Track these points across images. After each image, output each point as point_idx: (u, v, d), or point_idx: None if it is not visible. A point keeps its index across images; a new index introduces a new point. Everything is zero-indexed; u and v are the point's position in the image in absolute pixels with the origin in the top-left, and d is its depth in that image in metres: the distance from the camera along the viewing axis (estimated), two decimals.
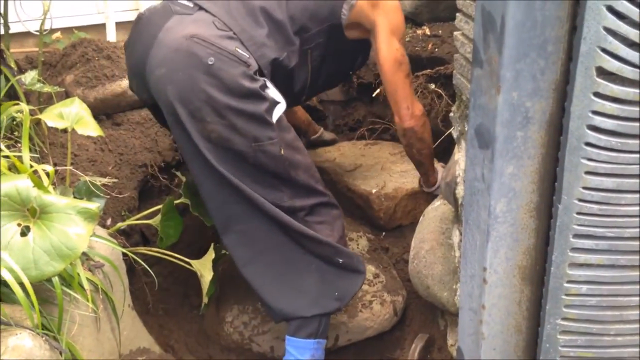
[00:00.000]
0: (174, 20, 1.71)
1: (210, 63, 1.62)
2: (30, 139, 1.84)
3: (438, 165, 2.25)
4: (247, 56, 1.68)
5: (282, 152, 1.70)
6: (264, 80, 1.71)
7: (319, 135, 2.65)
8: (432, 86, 2.52)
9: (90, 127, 1.87)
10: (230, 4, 1.76)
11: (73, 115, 1.86)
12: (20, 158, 1.60)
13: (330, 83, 2.24)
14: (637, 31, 0.94)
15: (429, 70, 2.51)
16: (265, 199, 1.71)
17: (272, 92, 1.72)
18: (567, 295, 1.14)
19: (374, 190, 2.29)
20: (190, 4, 1.77)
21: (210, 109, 1.63)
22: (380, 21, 1.89)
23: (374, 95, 2.77)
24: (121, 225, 2.00)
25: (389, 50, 1.90)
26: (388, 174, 2.38)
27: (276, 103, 1.71)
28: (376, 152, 2.58)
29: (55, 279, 1.45)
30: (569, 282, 1.13)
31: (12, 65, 2.04)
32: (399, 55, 1.91)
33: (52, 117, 1.83)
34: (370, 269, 2.16)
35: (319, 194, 1.82)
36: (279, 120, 1.72)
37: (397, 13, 1.93)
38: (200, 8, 1.75)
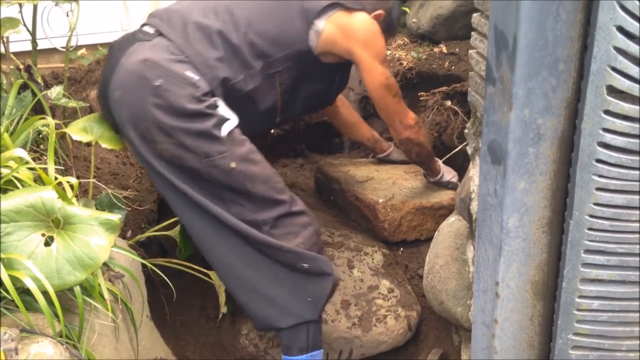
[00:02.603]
0: (135, 46, 1.80)
1: (157, 84, 1.69)
2: (55, 152, 1.89)
3: (441, 164, 2.35)
4: (197, 78, 1.74)
5: (235, 165, 1.73)
6: (214, 100, 1.76)
7: (387, 154, 2.62)
8: (448, 103, 2.54)
9: (112, 142, 1.92)
10: (187, 29, 1.81)
11: (96, 130, 1.91)
12: (45, 170, 1.65)
13: (310, 105, 2.19)
14: None
15: (445, 88, 2.54)
16: (228, 213, 1.76)
17: (222, 109, 1.77)
18: (578, 310, 1.15)
19: (380, 200, 2.31)
20: (152, 30, 1.85)
21: (158, 129, 1.70)
22: (358, 51, 1.89)
23: None
24: (141, 237, 2.03)
25: (374, 79, 1.93)
26: (398, 188, 2.40)
27: (225, 119, 1.76)
28: (391, 169, 2.60)
29: (77, 289, 1.48)
30: (580, 297, 1.14)
31: (39, 80, 2.10)
32: (383, 79, 1.94)
33: (77, 131, 1.88)
34: (385, 284, 2.17)
35: (283, 203, 1.82)
36: (230, 134, 1.75)
37: (375, 38, 1.92)
38: (160, 34, 1.82)
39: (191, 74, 1.73)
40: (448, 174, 2.37)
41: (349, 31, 1.88)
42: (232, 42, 1.81)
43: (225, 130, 1.75)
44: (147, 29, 1.87)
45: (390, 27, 2.09)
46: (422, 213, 2.31)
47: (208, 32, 1.80)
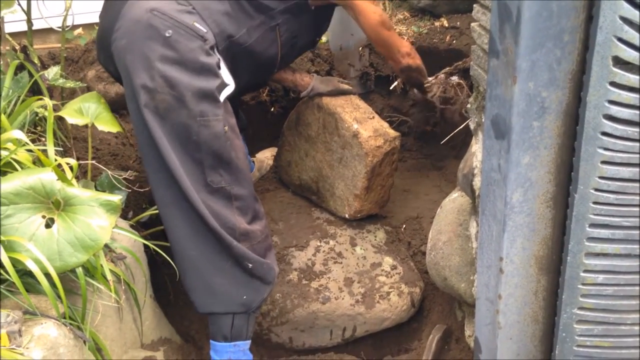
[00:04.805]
0: None
1: (167, 35, 1.68)
2: (54, 133, 1.87)
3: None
4: (205, 31, 1.73)
5: (226, 129, 1.74)
6: (219, 59, 1.77)
7: (312, 88, 2.28)
8: (455, 79, 2.51)
9: (108, 123, 1.90)
10: None
11: (92, 111, 1.89)
12: (44, 152, 1.63)
13: (300, 53, 2.31)
14: None
15: (448, 68, 2.50)
16: (202, 180, 1.73)
17: (224, 72, 1.78)
18: (583, 284, 1.14)
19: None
20: None
21: (162, 80, 1.67)
22: None
23: (391, 88, 2.77)
24: (142, 215, 2.02)
25: (369, 18, 2.03)
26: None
27: (225, 85, 1.77)
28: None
29: (79, 270, 1.48)
30: (585, 271, 1.13)
31: (36, 61, 2.08)
32: (378, 17, 2.04)
33: (72, 114, 1.86)
34: (388, 261, 2.17)
35: (252, 193, 1.85)
36: (225, 102, 1.77)
37: None
38: None
39: (200, 26, 1.72)
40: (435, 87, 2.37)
41: None
42: None
43: (224, 95, 1.75)
44: None
45: None
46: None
47: None
